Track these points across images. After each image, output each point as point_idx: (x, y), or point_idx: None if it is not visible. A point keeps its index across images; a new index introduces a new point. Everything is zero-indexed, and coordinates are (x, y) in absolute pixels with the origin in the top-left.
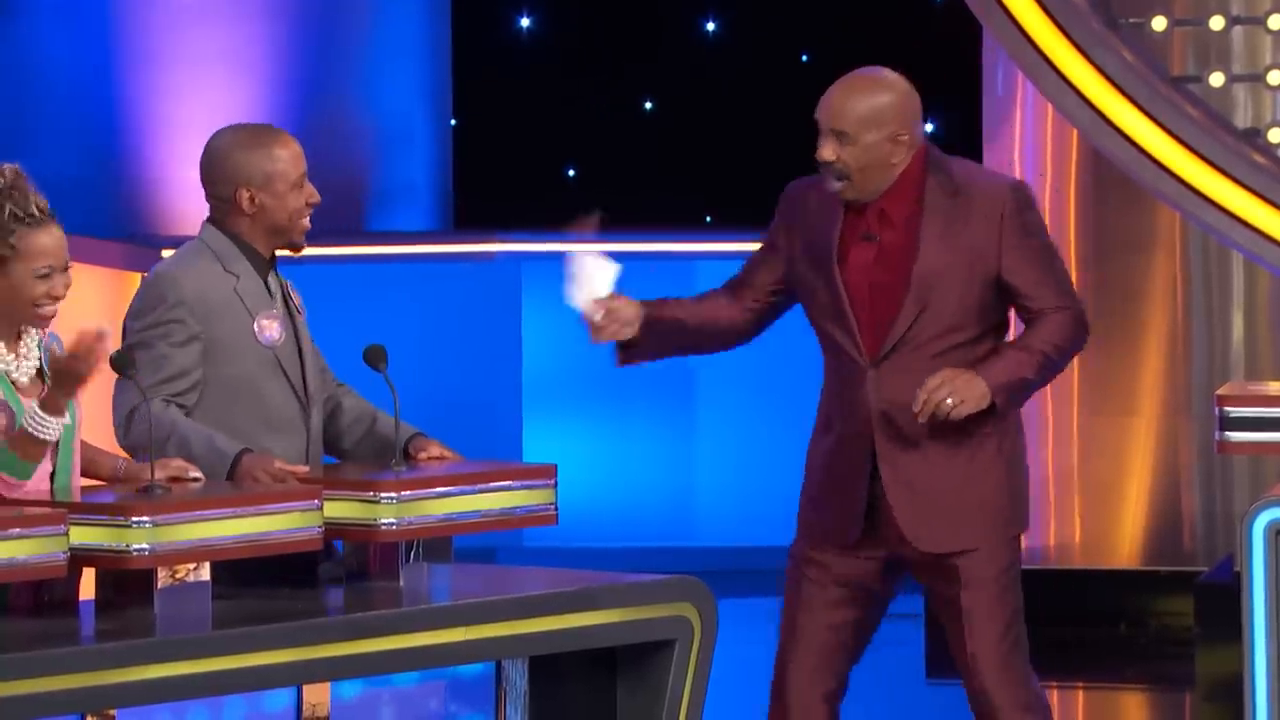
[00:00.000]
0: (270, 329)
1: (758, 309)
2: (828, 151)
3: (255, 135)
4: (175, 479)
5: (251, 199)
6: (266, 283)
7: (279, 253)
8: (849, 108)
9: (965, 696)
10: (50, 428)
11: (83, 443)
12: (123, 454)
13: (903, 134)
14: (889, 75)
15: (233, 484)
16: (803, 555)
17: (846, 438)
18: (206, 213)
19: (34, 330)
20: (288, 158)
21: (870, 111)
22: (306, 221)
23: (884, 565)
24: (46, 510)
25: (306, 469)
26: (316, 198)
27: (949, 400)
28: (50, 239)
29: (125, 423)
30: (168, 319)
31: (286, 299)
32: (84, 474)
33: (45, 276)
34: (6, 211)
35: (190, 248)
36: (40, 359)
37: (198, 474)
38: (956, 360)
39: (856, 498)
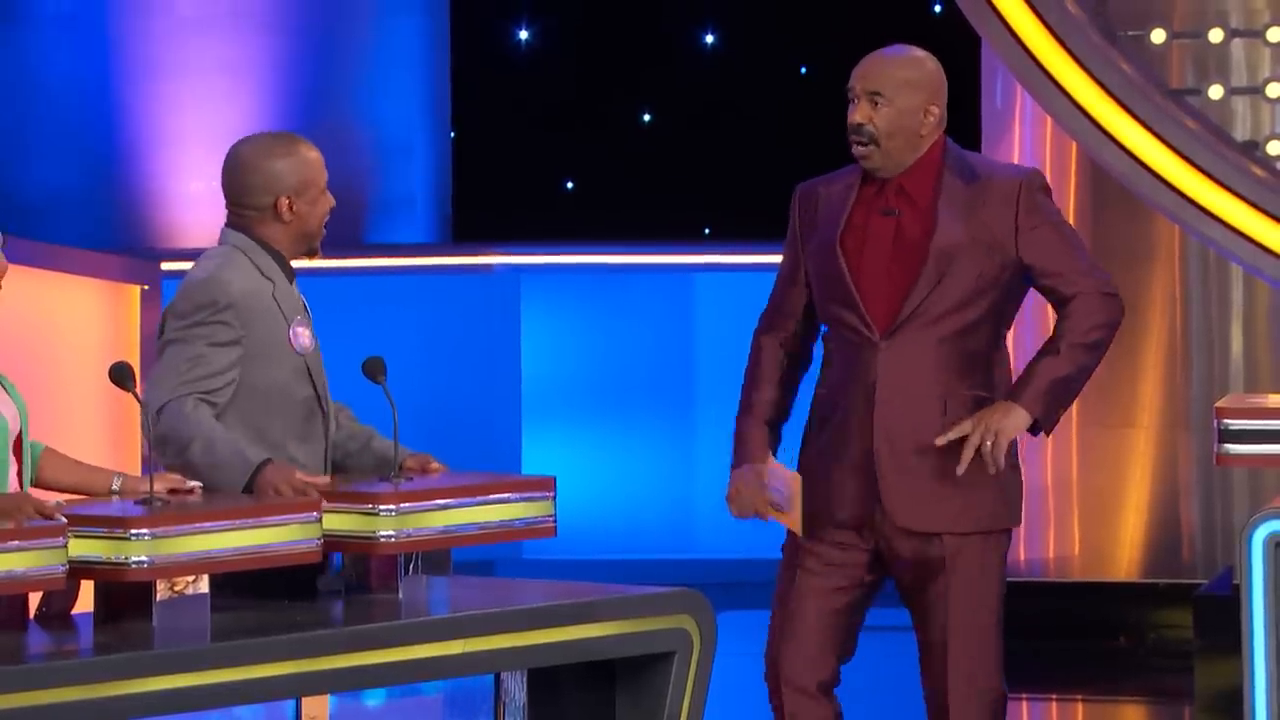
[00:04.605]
0: (304, 336)
1: (806, 335)
2: (860, 114)
3: (285, 143)
4: (173, 490)
5: (290, 206)
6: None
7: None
8: (889, 71)
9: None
10: None
11: (77, 461)
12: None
13: (934, 107)
14: (924, 52)
15: (250, 494)
16: (797, 546)
17: (850, 416)
18: (224, 221)
19: None
20: (317, 163)
21: (909, 77)
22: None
23: (872, 557)
24: (46, 523)
25: (327, 480)
26: (333, 202)
27: (988, 443)
28: None
29: (156, 415)
30: (214, 320)
31: (306, 308)
32: (80, 491)
33: None
34: None
35: (225, 252)
36: None
37: (195, 484)
38: (963, 342)
39: (859, 474)
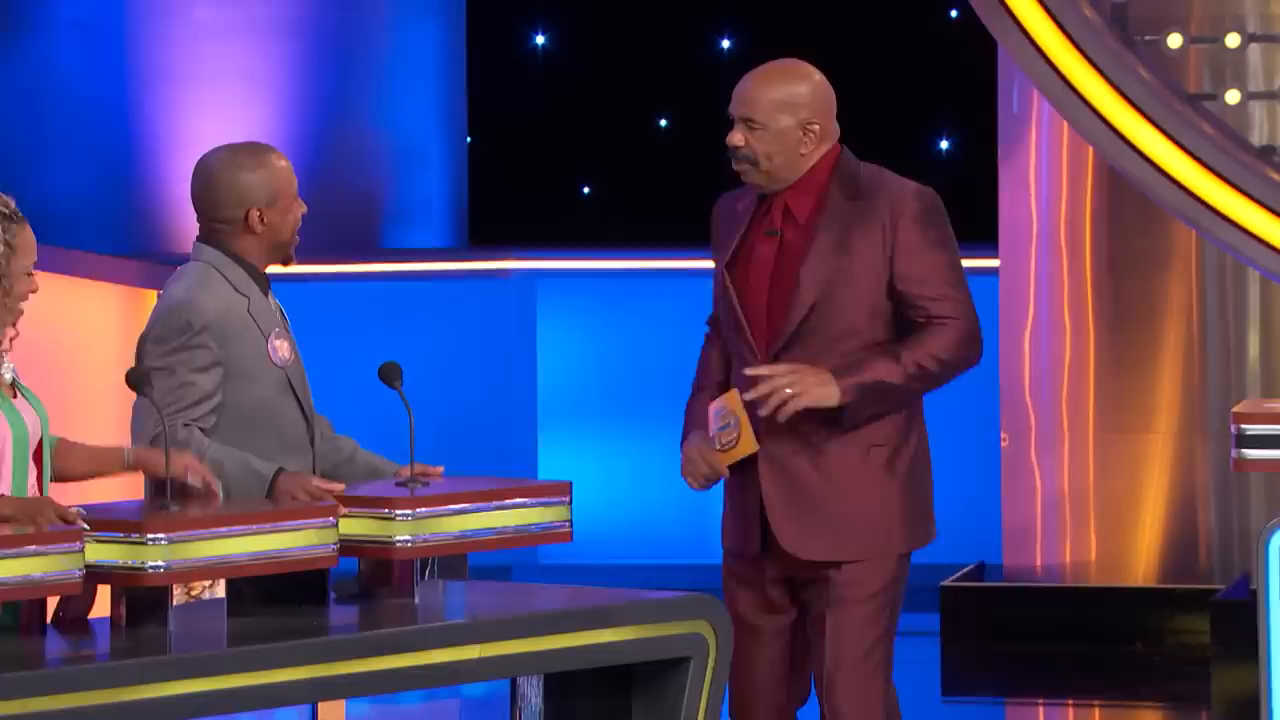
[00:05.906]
0: (282, 348)
1: None
2: (737, 137)
3: (254, 154)
4: (191, 470)
5: (261, 218)
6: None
7: (269, 269)
8: (760, 96)
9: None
10: None
11: (85, 447)
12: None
13: (814, 123)
14: (804, 66)
15: (269, 502)
16: (729, 577)
17: None
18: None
19: (6, 338)
20: (286, 172)
21: (783, 98)
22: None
23: (784, 583)
24: (64, 527)
25: (342, 486)
26: (304, 208)
27: (788, 390)
28: (32, 234)
29: (149, 445)
30: (192, 344)
31: (283, 316)
32: (94, 474)
33: (30, 274)
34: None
35: (198, 270)
36: (12, 367)
37: (210, 476)
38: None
39: (752, 505)
